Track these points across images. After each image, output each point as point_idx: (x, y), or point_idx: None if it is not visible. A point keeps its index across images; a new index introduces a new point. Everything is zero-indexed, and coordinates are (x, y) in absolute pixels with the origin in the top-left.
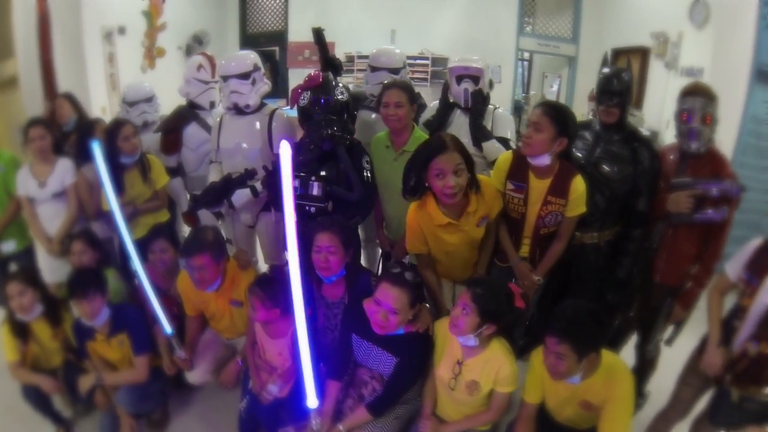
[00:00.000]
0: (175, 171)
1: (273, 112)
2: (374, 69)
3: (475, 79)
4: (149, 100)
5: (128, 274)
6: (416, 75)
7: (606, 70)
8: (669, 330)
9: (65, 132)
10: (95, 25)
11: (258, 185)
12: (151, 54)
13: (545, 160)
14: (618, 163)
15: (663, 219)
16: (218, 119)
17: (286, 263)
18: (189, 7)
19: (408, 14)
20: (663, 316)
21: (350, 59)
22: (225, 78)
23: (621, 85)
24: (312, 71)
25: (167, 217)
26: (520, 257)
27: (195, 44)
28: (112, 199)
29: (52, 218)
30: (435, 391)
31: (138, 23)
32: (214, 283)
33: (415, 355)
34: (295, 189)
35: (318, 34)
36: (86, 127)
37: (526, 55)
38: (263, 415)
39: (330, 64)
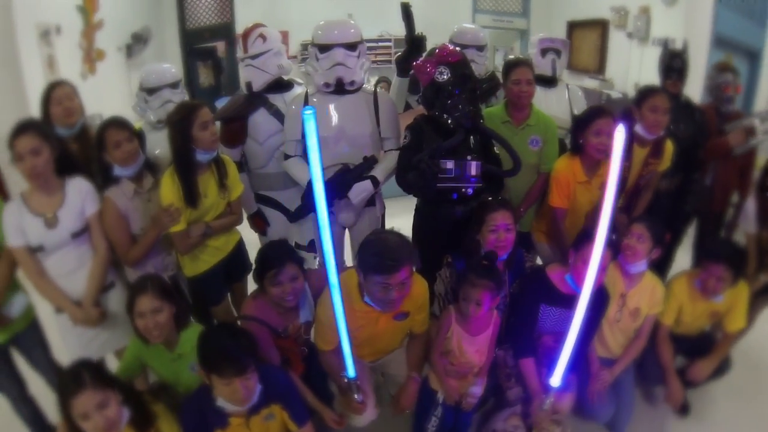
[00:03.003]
0: (238, 167)
1: (375, 90)
2: (458, 47)
3: (558, 52)
4: (175, 85)
5: None
6: (379, 57)
7: (668, 51)
8: None
9: (60, 138)
10: (29, 22)
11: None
12: (91, 57)
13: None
14: (683, 123)
15: (724, 156)
16: (294, 104)
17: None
18: (124, 3)
19: None
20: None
21: (306, 47)
22: (325, 48)
23: (683, 63)
24: (439, 45)
25: (239, 236)
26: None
27: (137, 44)
28: (320, 200)
29: (74, 271)
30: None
31: (73, 21)
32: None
33: (600, 304)
34: (449, 171)
35: (406, 9)
36: (101, 130)
37: None
38: (466, 422)
39: (416, 43)
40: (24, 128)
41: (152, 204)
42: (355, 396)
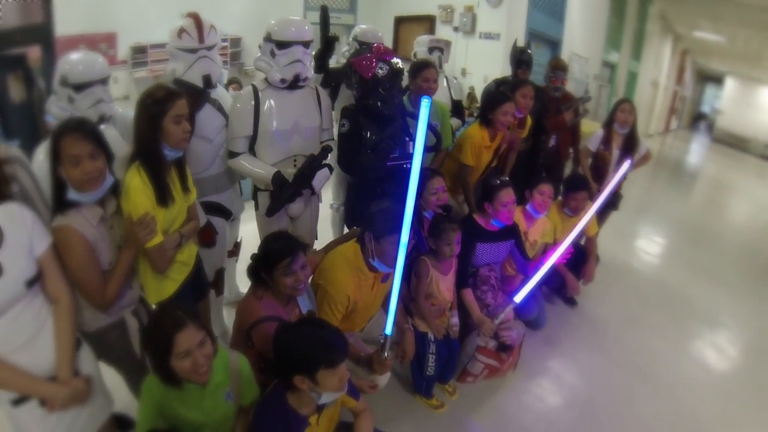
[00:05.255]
0: None
1: (315, 85)
2: (362, 44)
3: (442, 50)
4: (105, 81)
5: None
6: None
7: (517, 48)
8: None
9: None
10: None
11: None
12: None
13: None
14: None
15: (563, 127)
16: (243, 100)
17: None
18: None
19: None
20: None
21: (141, 50)
22: (284, 45)
23: (529, 57)
24: (375, 44)
25: (196, 248)
26: None
27: None
28: (413, 187)
29: (33, 337)
30: None
31: None
32: None
33: (518, 230)
34: (395, 152)
35: (324, 12)
36: (57, 138)
37: None
38: (456, 347)
39: (330, 42)
40: None
41: (115, 232)
42: (386, 354)
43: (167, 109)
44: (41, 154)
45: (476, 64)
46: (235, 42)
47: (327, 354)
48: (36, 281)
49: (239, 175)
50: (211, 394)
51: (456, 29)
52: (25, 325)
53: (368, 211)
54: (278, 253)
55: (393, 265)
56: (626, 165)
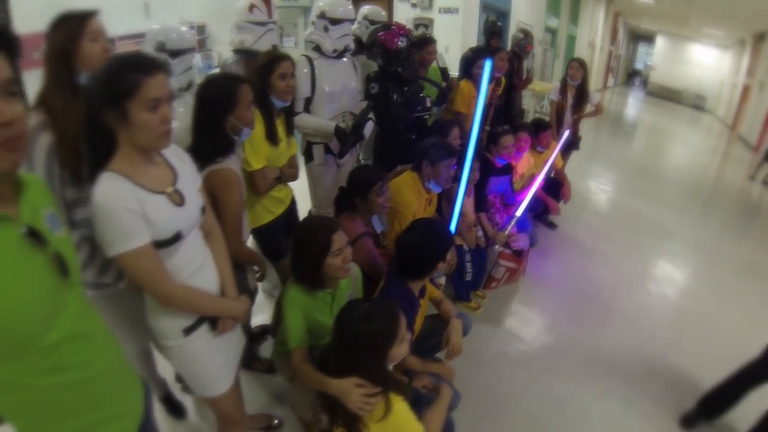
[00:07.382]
0: None
1: (352, 56)
2: (372, 22)
3: (426, 25)
4: (193, 51)
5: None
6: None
7: (489, 21)
8: None
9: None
10: None
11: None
12: None
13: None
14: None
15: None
16: (299, 67)
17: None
18: None
19: None
20: None
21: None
22: (338, 21)
23: (500, 28)
24: (393, 22)
25: (293, 191)
26: None
27: None
28: (475, 133)
29: (205, 260)
30: None
31: None
32: None
33: (512, 168)
34: (416, 105)
35: None
36: (234, 88)
37: None
38: (484, 255)
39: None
40: (155, 66)
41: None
42: (449, 255)
43: (273, 68)
44: None
45: (436, 36)
46: (201, 29)
47: (452, 236)
48: (204, 210)
49: None
50: (338, 298)
51: (414, 5)
52: (198, 249)
53: (421, 145)
54: (373, 178)
55: (444, 185)
56: (566, 134)
